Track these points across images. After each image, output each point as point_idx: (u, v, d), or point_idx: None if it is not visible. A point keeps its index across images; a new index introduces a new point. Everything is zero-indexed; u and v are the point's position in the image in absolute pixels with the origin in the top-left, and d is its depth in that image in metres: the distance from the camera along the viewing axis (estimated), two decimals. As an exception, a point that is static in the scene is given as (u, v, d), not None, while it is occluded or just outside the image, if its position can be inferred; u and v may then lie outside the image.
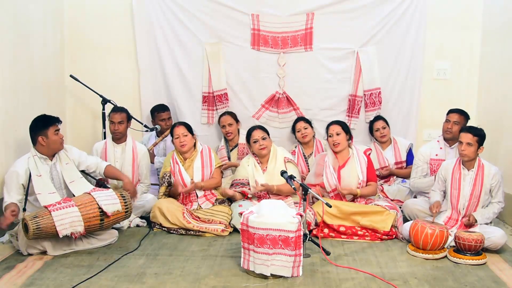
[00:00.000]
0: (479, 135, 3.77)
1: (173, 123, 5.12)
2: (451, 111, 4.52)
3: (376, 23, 5.21)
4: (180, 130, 4.36)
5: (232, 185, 4.41)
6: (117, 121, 4.43)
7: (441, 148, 4.52)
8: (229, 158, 5.06)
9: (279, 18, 5.20)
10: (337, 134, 4.16)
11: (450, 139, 4.49)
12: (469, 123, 4.62)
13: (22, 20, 4.29)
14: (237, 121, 5.12)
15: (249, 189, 4.29)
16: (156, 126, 5.02)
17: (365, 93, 5.29)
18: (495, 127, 4.79)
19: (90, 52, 5.30)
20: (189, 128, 4.42)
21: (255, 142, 4.34)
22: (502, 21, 4.87)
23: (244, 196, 4.29)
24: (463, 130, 3.86)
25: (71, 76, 4.97)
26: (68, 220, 3.38)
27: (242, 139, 5.06)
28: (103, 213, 3.54)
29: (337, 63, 5.28)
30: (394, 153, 4.98)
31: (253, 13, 5.19)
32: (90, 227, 3.51)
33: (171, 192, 4.34)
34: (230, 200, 4.37)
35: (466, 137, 3.76)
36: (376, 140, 5.09)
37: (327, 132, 4.25)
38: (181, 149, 4.35)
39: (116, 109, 4.51)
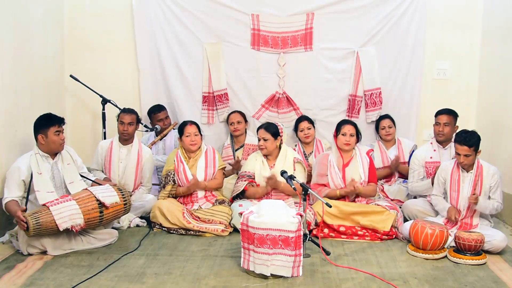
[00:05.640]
0: (475, 144, 3.72)
1: (179, 122, 5.14)
2: (439, 113, 4.49)
3: (376, 23, 5.21)
4: (192, 129, 4.36)
5: (239, 177, 4.43)
6: (127, 122, 4.43)
7: (434, 150, 4.49)
8: (234, 157, 5.06)
9: (279, 18, 5.20)
10: (351, 135, 4.19)
11: (443, 141, 4.48)
12: (469, 124, 4.62)
13: (22, 20, 4.28)
14: (246, 121, 5.15)
15: (255, 182, 4.29)
16: (156, 126, 5.02)
17: (365, 93, 5.29)
18: (495, 127, 4.79)
19: (90, 52, 5.30)
20: (199, 128, 4.44)
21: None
22: (502, 21, 4.86)
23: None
24: (457, 141, 3.77)
25: (71, 76, 4.97)
26: (67, 213, 3.39)
27: (248, 139, 5.09)
28: (101, 205, 3.55)
29: (337, 63, 5.28)
30: (398, 153, 4.95)
31: (253, 13, 5.19)
32: (90, 220, 3.51)
33: (176, 192, 4.32)
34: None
35: (463, 150, 3.72)
36: (381, 138, 5.09)
37: (338, 129, 4.24)
38: (191, 148, 4.35)
39: (127, 110, 4.51)
